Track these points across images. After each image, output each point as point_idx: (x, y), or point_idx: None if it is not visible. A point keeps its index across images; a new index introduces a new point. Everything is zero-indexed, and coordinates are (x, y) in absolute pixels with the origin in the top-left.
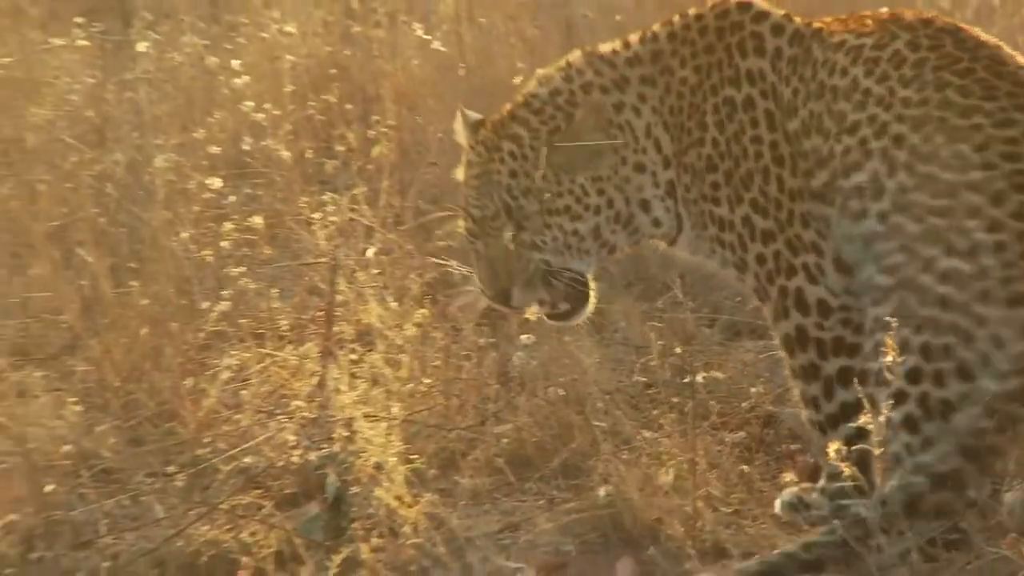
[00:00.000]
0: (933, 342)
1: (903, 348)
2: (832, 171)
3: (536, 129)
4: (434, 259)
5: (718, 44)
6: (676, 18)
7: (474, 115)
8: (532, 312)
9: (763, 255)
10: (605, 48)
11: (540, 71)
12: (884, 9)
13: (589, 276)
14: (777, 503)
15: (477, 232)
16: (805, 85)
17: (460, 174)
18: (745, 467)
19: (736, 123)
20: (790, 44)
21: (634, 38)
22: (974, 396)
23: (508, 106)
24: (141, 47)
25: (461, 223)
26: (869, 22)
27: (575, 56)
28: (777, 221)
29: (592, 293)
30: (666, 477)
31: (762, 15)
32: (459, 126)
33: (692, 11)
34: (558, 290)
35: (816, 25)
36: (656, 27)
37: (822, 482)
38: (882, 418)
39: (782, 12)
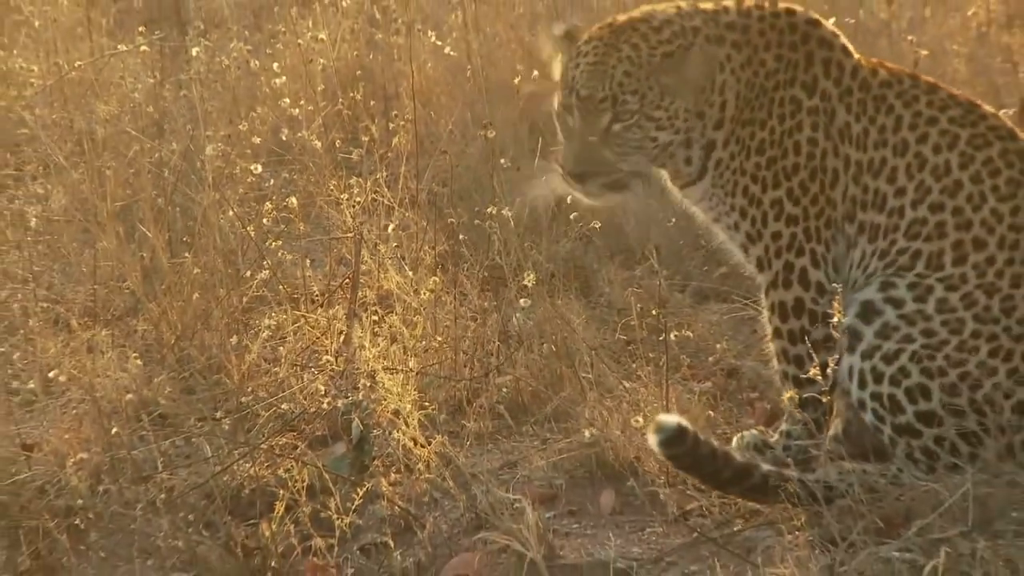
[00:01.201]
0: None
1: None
2: (891, 225)
3: (653, 47)
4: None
5: (801, 46)
6: (764, 3)
7: (560, 27)
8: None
9: (780, 233)
10: (707, 4)
11: (648, 6)
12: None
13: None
14: (734, 441)
15: (578, 108)
16: (881, 133)
17: (557, 68)
18: (711, 412)
19: (797, 121)
20: (860, 88)
21: (731, 4)
22: None
23: (622, 17)
24: (194, 52)
25: (556, 99)
26: (944, 95)
27: (684, 2)
28: (804, 211)
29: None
30: (643, 421)
31: (827, 41)
32: (550, 36)
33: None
34: (620, 185)
35: (881, 74)
36: (748, 2)
37: (784, 426)
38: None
39: (841, 41)
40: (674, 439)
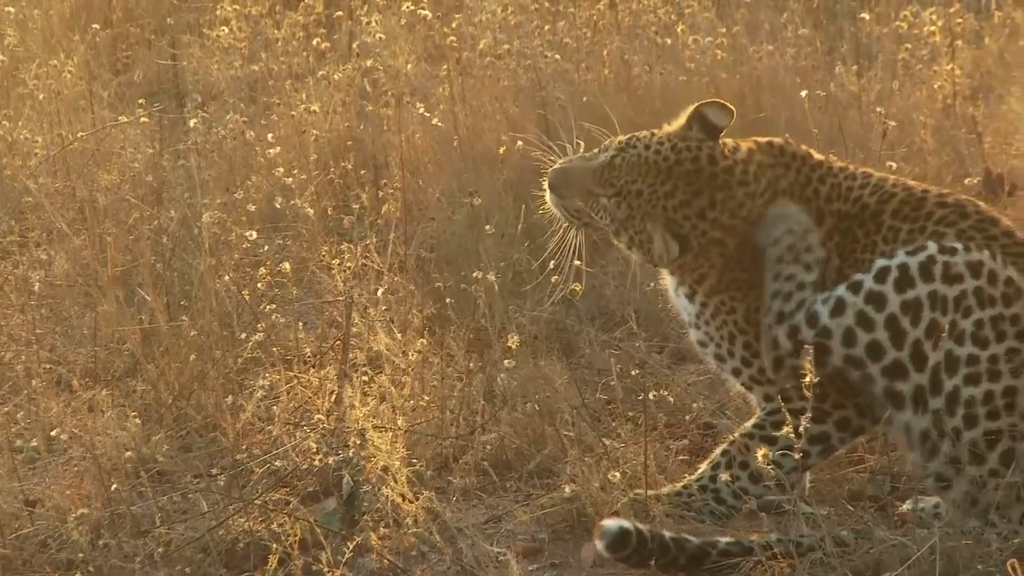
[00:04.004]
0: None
1: None
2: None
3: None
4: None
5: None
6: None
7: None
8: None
9: None
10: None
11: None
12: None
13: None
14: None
15: (601, 162)
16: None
17: (670, 126)
18: (687, 468)
19: None
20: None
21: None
22: None
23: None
24: (192, 123)
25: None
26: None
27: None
28: None
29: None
30: (622, 477)
31: None
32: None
33: None
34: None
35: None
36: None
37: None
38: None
39: None
40: (618, 542)
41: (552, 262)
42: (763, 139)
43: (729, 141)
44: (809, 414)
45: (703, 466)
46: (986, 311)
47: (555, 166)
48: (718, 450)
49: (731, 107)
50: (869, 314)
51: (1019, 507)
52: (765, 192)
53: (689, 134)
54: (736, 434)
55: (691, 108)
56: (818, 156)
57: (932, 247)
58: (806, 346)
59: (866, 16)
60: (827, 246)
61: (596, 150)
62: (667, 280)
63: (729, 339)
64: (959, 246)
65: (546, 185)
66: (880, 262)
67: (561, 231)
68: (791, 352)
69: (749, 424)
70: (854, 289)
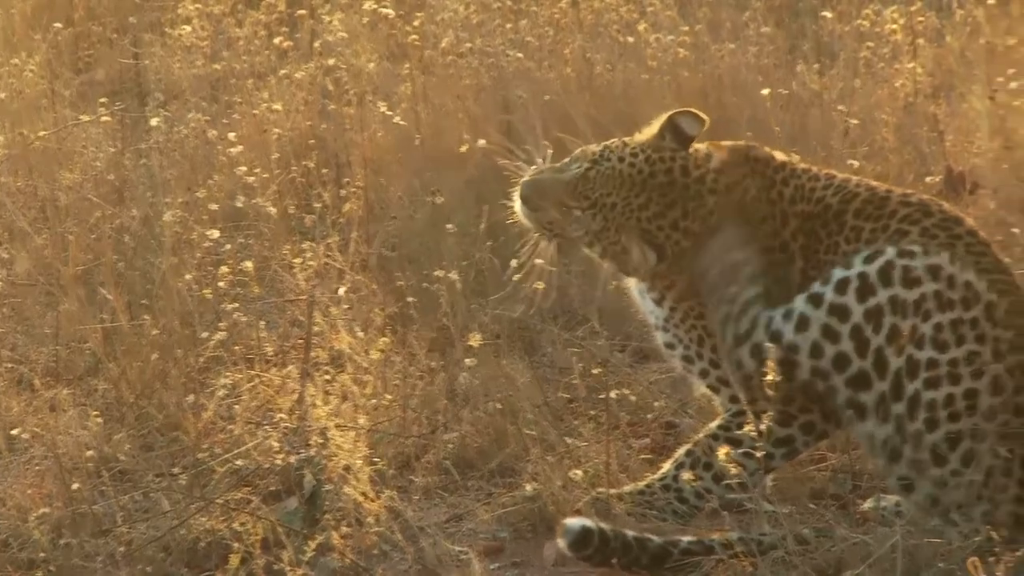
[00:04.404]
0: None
1: None
2: None
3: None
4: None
5: None
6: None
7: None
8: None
9: None
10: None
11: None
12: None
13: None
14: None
15: (580, 164)
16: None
17: (643, 133)
18: (649, 467)
19: None
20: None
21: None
22: None
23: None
24: (154, 122)
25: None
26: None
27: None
28: None
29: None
30: (584, 476)
31: None
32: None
33: None
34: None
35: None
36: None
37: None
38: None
39: None
40: (580, 541)
41: (514, 261)
42: (729, 144)
43: (701, 148)
44: (772, 414)
45: (666, 465)
46: (945, 315)
47: (526, 178)
48: (682, 450)
49: (703, 116)
50: (834, 327)
51: (981, 506)
52: (736, 201)
53: (662, 144)
54: (701, 435)
55: (664, 117)
56: (781, 158)
57: (890, 252)
58: (773, 360)
59: (828, 14)
60: (791, 248)
61: (567, 160)
62: (632, 283)
63: (698, 342)
64: (917, 249)
65: (517, 196)
66: (838, 273)
67: (532, 242)
68: (758, 371)
69: (714, 425)
70: (815, 302)
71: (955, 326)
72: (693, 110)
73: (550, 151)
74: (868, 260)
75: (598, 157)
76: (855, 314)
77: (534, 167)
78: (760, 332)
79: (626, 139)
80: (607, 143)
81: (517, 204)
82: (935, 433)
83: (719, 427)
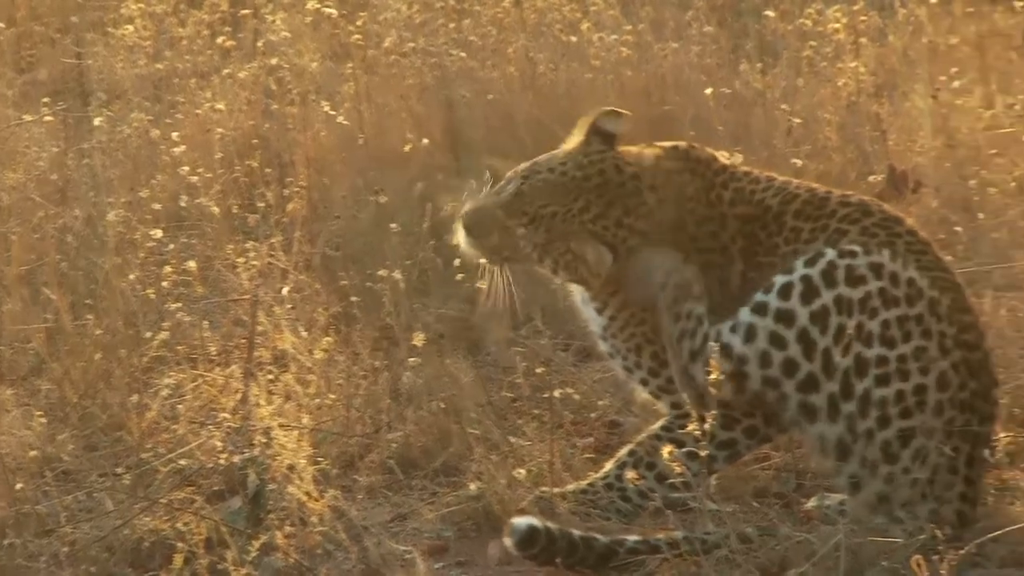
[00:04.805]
0: None
1: None
2: None
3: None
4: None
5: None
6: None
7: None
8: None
9: None
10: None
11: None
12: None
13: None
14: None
15: (511, 191)
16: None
17: (568, 143)
18: (593, 466)
19: None
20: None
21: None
22: None
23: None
24: (97, 122)
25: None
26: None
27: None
28: None
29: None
30: (527, 475)
31: None
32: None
33: None
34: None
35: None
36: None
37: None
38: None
39: None
40: (526, 540)
41: (457, 261)
42: (668, 144)
43: (633, 149)
44: (715, 412)
45: (609, 464)
46: (891, 311)
47: (465, 208)
48: (625, 449)
49: (624, 112)
50: (780, 333)
51: (926, 504)
52: (674, 198)
53: (590, 148)
54: (644, 435)
55: (586, 121)
56: (723, 160)
57: (830, 253)
58: (719, 371)
59: (771, 13)
60: (731, 250)
61: (502, 183)
62: (575, 290)
63: (636, 351)
64: (858, 248)
65: (459, 229)
66: (780, 279)
67: (487, 274)
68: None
69: (657, 426)
70: (760, 311)
71: (901, 322)
72: (612, 108)
73: (490, 178)
74: (809, 263)
75: (528, 172)
76: (801, 317)
77: (470, 197)
78: (710, 347)
79: (554, 152)
80: (535, 159)
81: (461, 237)
82: (887, 430)
83: (662, 428)
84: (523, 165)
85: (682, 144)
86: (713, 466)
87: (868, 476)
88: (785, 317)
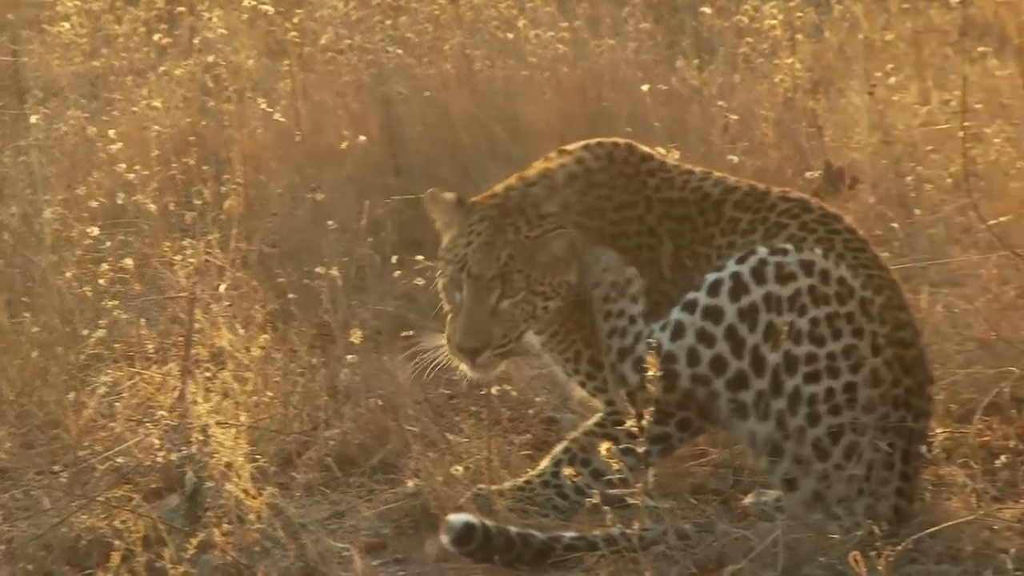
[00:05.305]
0: None
1: None
2: None
3: (531, 229)
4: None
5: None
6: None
7: (448, 195)
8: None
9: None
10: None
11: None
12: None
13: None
14: None
15: (468, 285)
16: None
17: (446, 237)
18: (530, 463)
19: None
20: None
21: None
22: None
23: (514, 188)
24: (33, 119)
25: (442, 271)
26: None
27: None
28: None
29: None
30: (465, 472)
31: None
32: (435, 204)
33: None
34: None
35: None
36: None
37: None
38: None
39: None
40: (463, 537)
41: (395, 258)
42: (596, 141)
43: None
44: (651, 408)
45: (545, 461)
46: (821, 309)
47: (456, 335)
48: (560, 446)
49: (448, 195)
50: (708, 329)
51: (862, 500)
52: (582, 191)
53: (467, 216)
54: (578, 431)
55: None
56: (647, 151)
57: (761, 251)
58: (651, 367)
59: (707, 10)
60: (659, 231)
61: (437, 273)
62: None
63: (576, 358)
64: (789, 247)
65: (463, 358)
66: (711, 276)
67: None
68: (640, 385)
69: (591, 422)
70: (690, 309)
71: (831, 320)
72: (434, 193)
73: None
74: (740, 260)
75: (453, 262)
76: (728, 314)
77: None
78: (642, 346)
79: (447, 246)
80: (445, 250)
81: (466, 367)
82: (817, 427)
83: (596, 424)
84: (441, 263)
85: (606, 140)
86: (647, 460)
87: (802, 474)
88: (713, 314)
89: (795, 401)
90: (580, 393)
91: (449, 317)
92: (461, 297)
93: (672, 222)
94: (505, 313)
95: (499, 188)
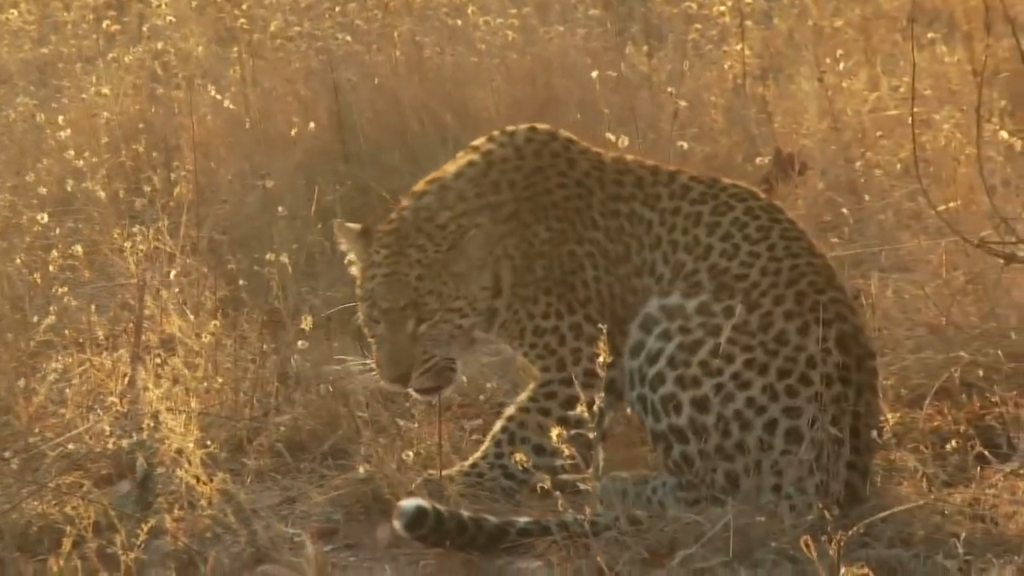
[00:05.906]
0: None
1: None
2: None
3: (438, 244)
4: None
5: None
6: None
7: (353, 225)
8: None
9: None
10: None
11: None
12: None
13: (459, 360)
14: None
15: (383, 319)
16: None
17: (355, 269)
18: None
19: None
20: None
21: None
22: None
23: (406, 209)
24: None
25: (360, 313)
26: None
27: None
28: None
29: (458, 372)
30: (416, 457)
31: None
32: (342, 235)
33: None
34: (442, 374)
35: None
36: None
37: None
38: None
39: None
40: (415, 521)
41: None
42: (525, 125)
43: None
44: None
45: (486, 443)
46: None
47: (382, 368)
48: (497, 426)
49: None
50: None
51: (813, 478)
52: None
53: (370, 252)
54: (512, 408)
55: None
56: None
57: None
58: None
59: None
60: (586, 183)
61: (358, 299)
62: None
63: (520, 335)
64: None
65: (393, 386)
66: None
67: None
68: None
69: (523, 397)
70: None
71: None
72: (340, 224)
73: None
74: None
75: (366, 300)
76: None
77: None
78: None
79: (365, 268)
80: (360, 285)
81: (403, 390)
82: (751, 432)
83: (529, 399)
84: (361, 298)
85: (543, 127)
86: (598, 443)
87: (755, 474)
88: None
89: (723, 421)
90: (519, 360)
91: (374, 348)
92: (380, 329)
93: (606, 173)
94: (425, 335)
95: (394, 213)
